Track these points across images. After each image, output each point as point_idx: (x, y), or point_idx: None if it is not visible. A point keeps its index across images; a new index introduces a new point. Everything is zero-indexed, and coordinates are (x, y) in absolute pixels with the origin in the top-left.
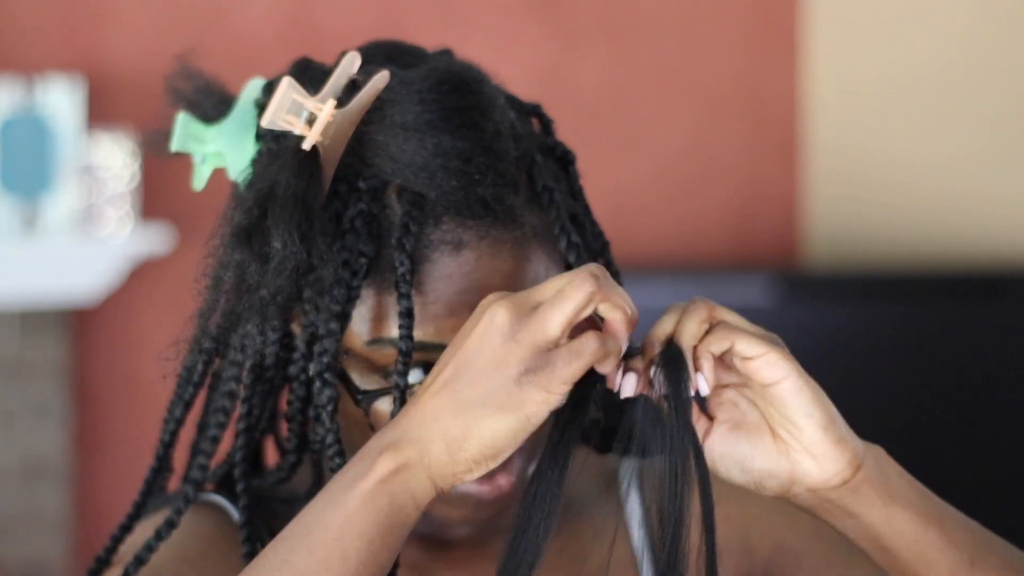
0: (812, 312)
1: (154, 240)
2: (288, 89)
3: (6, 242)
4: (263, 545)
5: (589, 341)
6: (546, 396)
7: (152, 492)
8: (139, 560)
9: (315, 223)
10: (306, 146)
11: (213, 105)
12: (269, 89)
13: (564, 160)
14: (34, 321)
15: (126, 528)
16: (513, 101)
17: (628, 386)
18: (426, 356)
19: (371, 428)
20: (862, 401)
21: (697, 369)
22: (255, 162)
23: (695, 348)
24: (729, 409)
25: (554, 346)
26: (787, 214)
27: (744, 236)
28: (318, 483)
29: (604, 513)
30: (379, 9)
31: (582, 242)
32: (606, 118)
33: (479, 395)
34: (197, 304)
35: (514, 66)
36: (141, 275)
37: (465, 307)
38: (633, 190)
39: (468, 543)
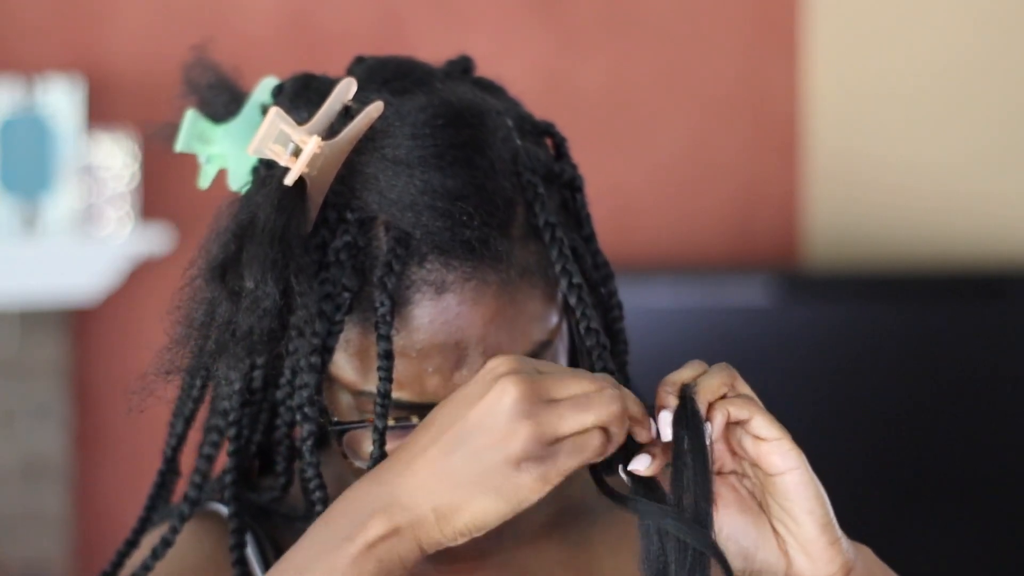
0: (812, 312)
1: (154, 240)
2: (275, 118)
3: (6, 242)
4: (265, 558)
5: (594, 438)
6: (542, 486)
7: (156, 507)
8: None
9: (292, 262)
10: (288, 181)
11: (224, 104)
12: (279, 91)
13: (571, 186)
14: (34, 321)
15: (132, 543)
16: (524, 121)
17: (642, 464)
18: (413, 411)
19: (344, 456)
20: (862, 401)
21: (708, 419)
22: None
23: (712, 404)
24: (732, 492)
25: (558, 441)
26: (787, 214)
27: (744, 236)
28: (310, 507)
29: (615, 524)
30: (379, 9)
31: (583, 275)
32: (606, 118)
33: (476, 473)
34: (168, 334)
35: (514, 66)
36: (141, 275)
37: (447, 363)
38: (633, 190)
39: (473, 552)
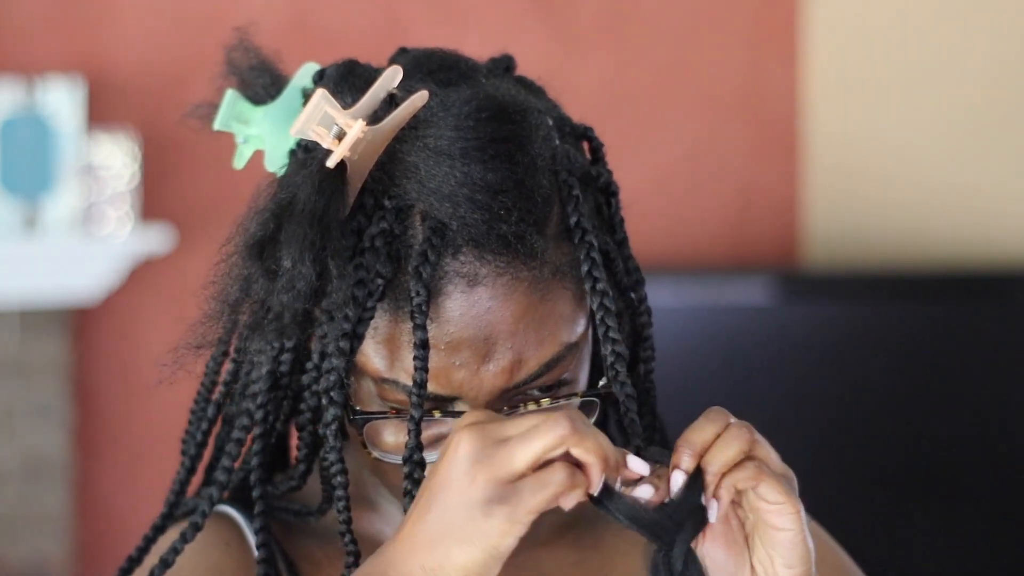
0: (812, 312)
1: (154, 240)
2: (321, 100)
3: (6, 242)
4: (273, 564)
5: (557, 472)
6: (511, 526)
7: (184, 491)
8: (164, 563)
9: (329, 244)
10: (330, 163)
11: (264, 86)
12: (321, 77)
13: (607, 191)
14: (34, 321)
15: (159, 529)
16: (563, 123)
17: (644, 494)
18: (436, 405)
19: (363, 446)
20: (861, 401)
21: (715, 497)
22: (285, 167)
23: (721, 477)
24: (723, 524)
25: (518, 478)
26: (787, 214)
27: (744, 236)
28: (329, 497)
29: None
30: (379, 9)
31: (613, 280)
32: (606, 118)
33: (447, 526)
34: (201, 309)
35: None
36: (141, 275)
37: (475, 357)
38: (633, 190)
39: None
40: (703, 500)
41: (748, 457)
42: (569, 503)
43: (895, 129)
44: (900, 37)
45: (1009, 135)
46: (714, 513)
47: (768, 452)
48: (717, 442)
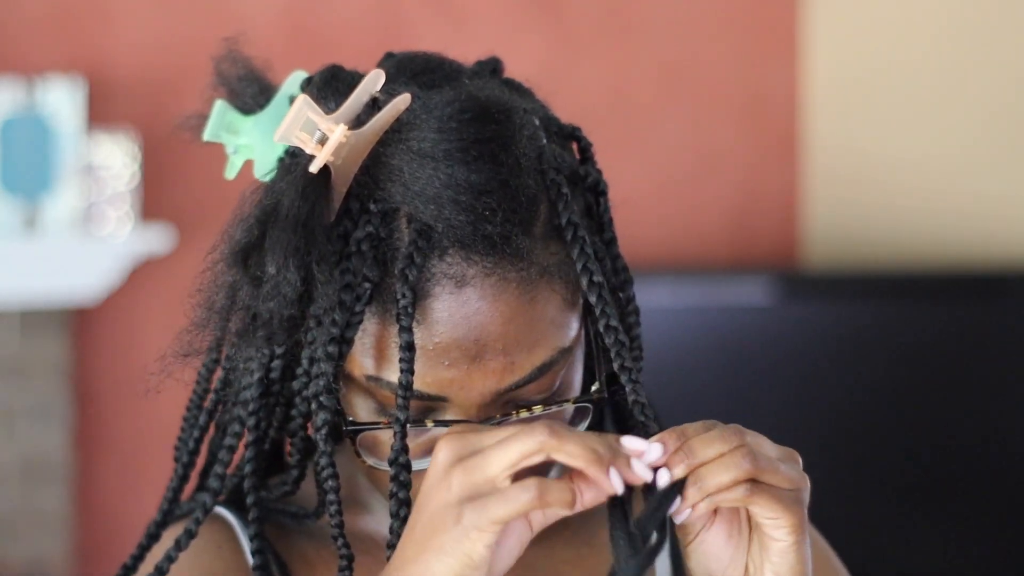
0: (812, 312)
1: (154, 240)
2: (303, 106)
3: (6, 242)
4: (266, 566)
5: (525, 489)
6: (478, 534)
7: (177, 499)
8: (160, 571)
9: (315, 249)
10: (313, 168)
11: (253, 95)
12: (308, 83)
13: (595, 190)
14: (34, 321)
15: (153, 536)
16: (550, 123)
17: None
18: (425, 404)
19: (357, 455)
20: (861, 401)
21: (692, 506)
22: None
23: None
24: (730, 512)
25: (494, 484)
26: (787, 214)
27: (744, 236)
28: (323, 496)
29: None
30: (379, 9)
31: (602, 277)
32: (606, 120)
33: (428, 537)
34: (189, 316)
35: (514, 66)
36: (141, 275)
37: (465, 357)
38: (633, 190)
39: None
40: (677, 503)
41: (749, 479)
42: (577, 508)
43: (895, 129)
44: (900, 38)
45: (1009, 136)
46: (681, 517)
47: (776, 474)
48: (715, 463)
